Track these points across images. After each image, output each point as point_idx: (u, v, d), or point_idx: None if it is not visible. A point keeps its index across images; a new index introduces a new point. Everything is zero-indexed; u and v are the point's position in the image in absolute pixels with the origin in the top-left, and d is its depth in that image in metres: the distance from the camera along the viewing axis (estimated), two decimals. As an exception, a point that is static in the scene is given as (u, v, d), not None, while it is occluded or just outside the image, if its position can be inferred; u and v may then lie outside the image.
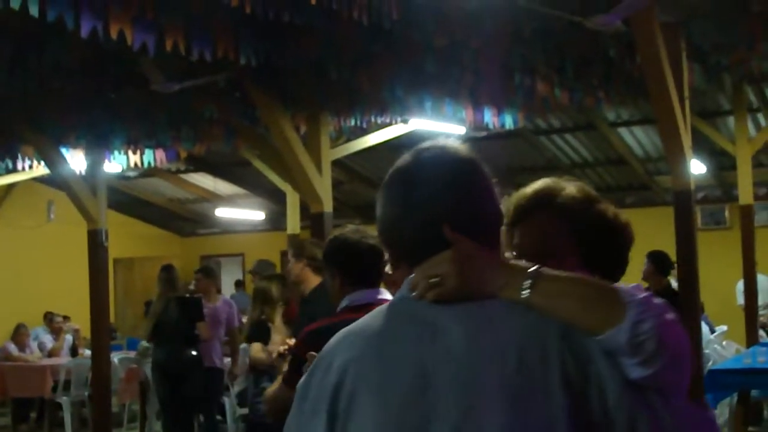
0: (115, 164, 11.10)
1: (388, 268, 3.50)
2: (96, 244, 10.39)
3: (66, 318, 13.62)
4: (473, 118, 9.37)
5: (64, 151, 10.20)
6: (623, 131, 14.15)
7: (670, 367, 1.58)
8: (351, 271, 3.67)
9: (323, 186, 8.63)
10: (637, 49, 7.04)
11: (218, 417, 10.42)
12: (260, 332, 7.55)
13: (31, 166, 11.53)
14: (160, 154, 10.67)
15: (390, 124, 10.62)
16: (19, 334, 12.63)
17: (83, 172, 10.66)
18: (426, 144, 1.78)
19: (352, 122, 9.64)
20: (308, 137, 8.83)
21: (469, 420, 1.60)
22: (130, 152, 10.59)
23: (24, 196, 16.54)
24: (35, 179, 14.19)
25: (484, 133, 11.58)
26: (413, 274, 1.75)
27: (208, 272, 10.50)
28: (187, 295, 9.96)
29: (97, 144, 9.98)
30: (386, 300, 2.80)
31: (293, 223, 12.52)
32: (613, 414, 1.57)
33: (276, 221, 17.84)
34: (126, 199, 18.34)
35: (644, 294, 1.61)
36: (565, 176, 2.15)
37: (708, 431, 1.69)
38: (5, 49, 6.66)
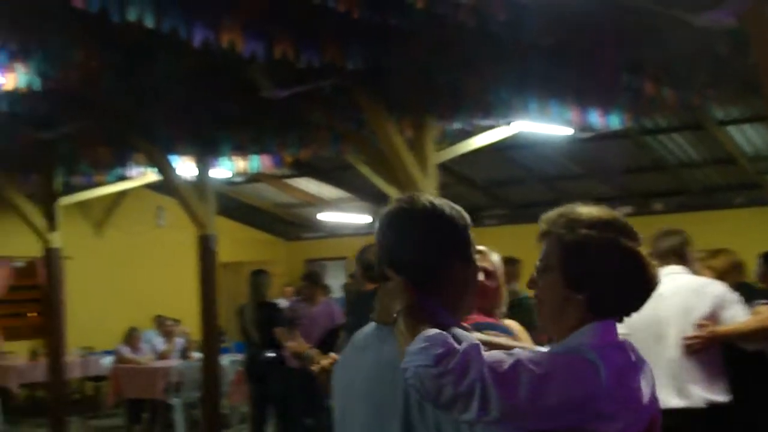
0: (223, 170, 11.28)
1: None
2: (205, 249, 10.58)
3: (176, 321, 13.89)
4: (579, 119, 9.26)
5: (173, 158, 10.40)
6: (732, 129, 13.79)
7: (449, 405, 1.90)
8: None
9: (429, 189, 8.62)
10: (749, 45, 6.86)
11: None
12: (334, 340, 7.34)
13: (142, 174, 11.78)
14: (267, 159, 10.81)
15: (494, 126, 10.56)
16: (131, 337, 12.98)
17: (193, 179, 10.87)
18: (403, 196, 2.32)
19: (457, 125, 9.62)
20: (414, 141, 8.84)
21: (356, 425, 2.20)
22: (237, 158, 10.75)
23: (135, 203, 16.89)
24: (146, 186, 14.47)
25: (590, 134, 11.45)
26: None
27: (314, 278, 10.61)
28: (269, 301, 10.54)
29: (206, 151, 10.17)
30: None
31: (398, 226, 12.52)
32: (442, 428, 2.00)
33: (380, 225, 17.84)
34: (232, 204, 18.58)
35: (423, 345, 1.94)
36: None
37: None
38: (118, 59, 6.82)
